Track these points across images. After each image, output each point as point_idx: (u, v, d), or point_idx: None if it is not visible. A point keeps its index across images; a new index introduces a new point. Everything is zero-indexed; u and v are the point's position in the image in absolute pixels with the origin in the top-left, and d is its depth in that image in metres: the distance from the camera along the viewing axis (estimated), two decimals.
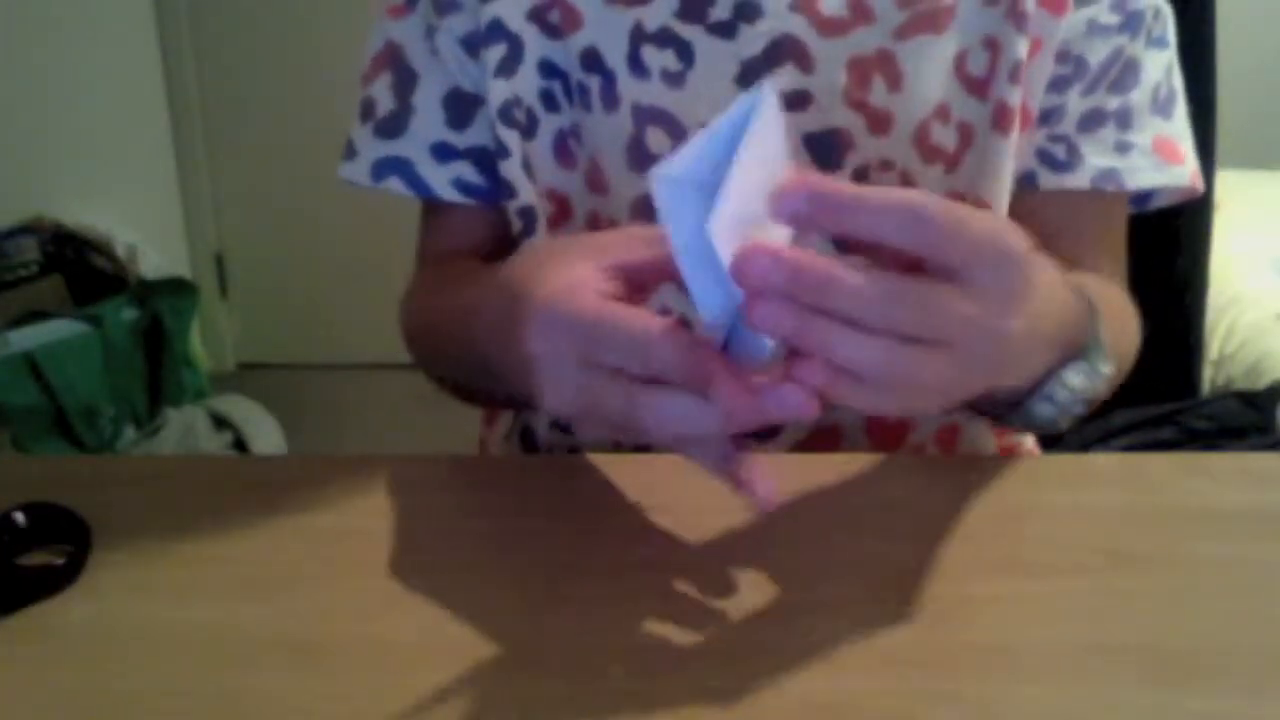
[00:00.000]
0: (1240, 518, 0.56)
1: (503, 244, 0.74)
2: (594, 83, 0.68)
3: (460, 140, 0.73)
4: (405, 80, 0.73)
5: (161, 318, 2.20)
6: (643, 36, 0.67)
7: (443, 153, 0.73)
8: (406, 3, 0.73)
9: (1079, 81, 0.69)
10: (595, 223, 0.71)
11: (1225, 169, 0.95)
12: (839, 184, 0.42)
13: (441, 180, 0.73)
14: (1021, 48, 0.66)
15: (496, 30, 0.69)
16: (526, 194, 0.71)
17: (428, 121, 0.72)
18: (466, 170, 0.73)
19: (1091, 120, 0.70)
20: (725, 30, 0.67)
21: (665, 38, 0.67)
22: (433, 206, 0.77)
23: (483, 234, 0.75)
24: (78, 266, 2.21)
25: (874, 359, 0.42)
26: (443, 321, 0.66)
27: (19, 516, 0.56)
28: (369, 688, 0.46)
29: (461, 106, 0.72)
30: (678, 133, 0.67)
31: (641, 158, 0.68)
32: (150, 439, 2.15)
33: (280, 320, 2.65)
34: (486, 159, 0.73)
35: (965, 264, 0.42)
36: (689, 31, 0.67)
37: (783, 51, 0.66)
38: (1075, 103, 0.69)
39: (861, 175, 0.67)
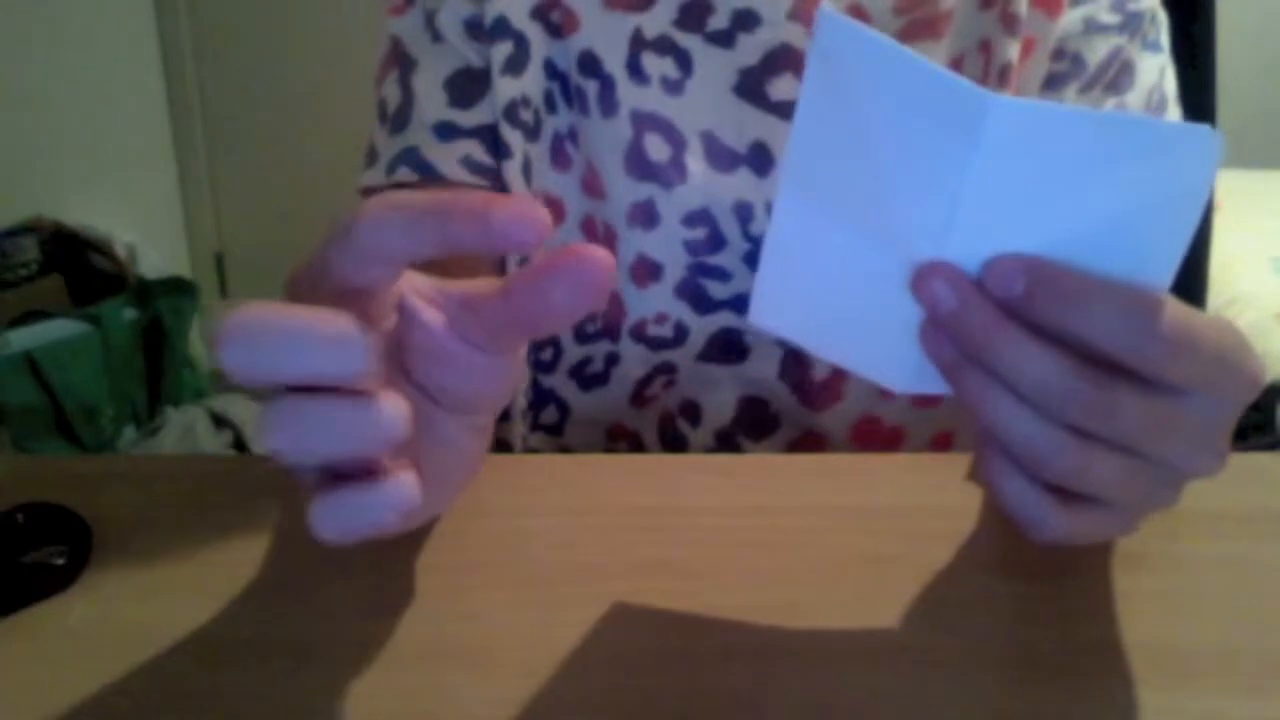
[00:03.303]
0: (1240, 518, 0.56)
1: None
2: (591, 87, 0.68)
3: (465, 119, 0.70)
4: (407, 70, 0.71)
5: (161, 318, 2.20)
6: (643, 43, 0.67)
7: (446, 131, 0.70)
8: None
9: (1075, 80, 0.69)
10: (589, 226, 0.71)
11: (1225, 169, 0.95)
12: (1062, 270, 0.36)
13: (448, 159, 0.69)
14: (1012, 50, 0.66)
15: (502, 27, 0.69)
16: None
17: (429, 103, 0.70)
18: (474, 149, 0.70)
19: None
20: (723, 39, 0.66)
21: (664, 45, 0.67)
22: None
23: None
24: (78, 266, 2.21)
25: (1045, 444, 0.36)
26: None
27: (19, 516, 0.56)
28: (369, 688, 0.46)
29: (468, 85, 0.70)
30: (676, 139, 0.67)
31: (640, 164, 0.67)
32: (150, 439, 2.15)
33: None
34: (494, 139, 0.70)
35: (1186, 384, 0.37)
36: (687, 40, 0.67)
37: (781, 60, 0.66)
38: (1072, 100, 0.69)
39: None
